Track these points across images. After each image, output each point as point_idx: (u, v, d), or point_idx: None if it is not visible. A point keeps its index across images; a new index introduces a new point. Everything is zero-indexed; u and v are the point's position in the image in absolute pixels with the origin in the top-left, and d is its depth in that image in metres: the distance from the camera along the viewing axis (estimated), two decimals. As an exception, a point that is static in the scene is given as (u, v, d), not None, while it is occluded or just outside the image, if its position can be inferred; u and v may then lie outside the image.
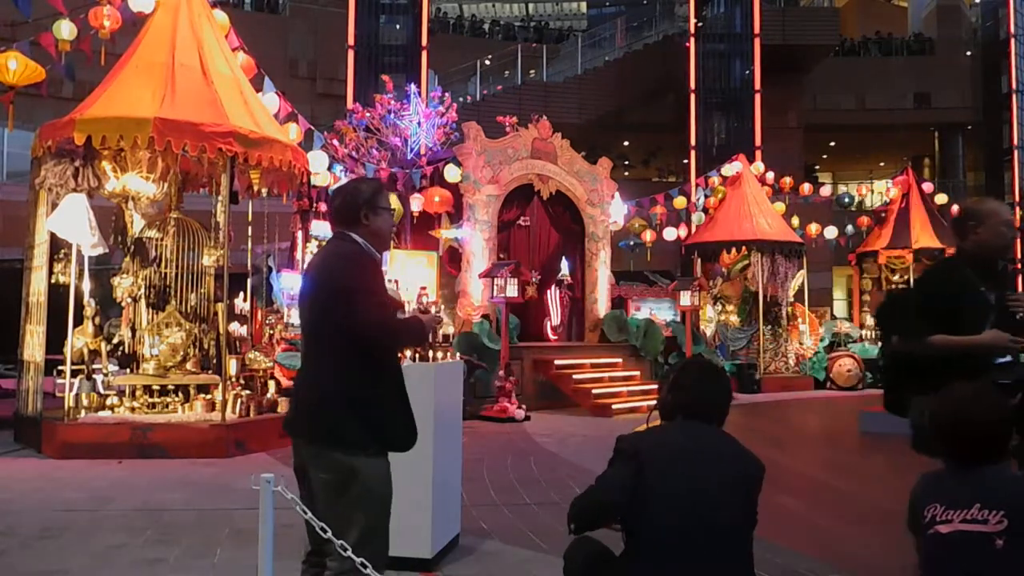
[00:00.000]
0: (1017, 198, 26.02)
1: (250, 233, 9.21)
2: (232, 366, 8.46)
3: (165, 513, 5.50)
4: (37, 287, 8.38)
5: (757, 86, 23.40)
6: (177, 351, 8.37)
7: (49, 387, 8.38)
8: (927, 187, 19.65)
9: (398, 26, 22.46)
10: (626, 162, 29.89)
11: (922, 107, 28.61)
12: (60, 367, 8.16)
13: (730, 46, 24.22)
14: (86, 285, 8.46)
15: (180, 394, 8.33)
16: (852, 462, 8.73)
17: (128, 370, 8.58)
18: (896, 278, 18.94)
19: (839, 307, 25.14)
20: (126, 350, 8.57)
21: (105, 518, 5.34)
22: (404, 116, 13.19)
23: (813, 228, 18.98)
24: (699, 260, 17.69)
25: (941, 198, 19.87)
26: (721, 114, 24.09)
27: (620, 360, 13.42)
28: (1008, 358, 3.41)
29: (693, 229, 18.03)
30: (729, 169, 17.68)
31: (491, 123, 13.66)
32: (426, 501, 4.17)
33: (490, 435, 9.48)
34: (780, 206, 18.11)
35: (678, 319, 15.26)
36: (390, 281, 9.17)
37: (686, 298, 14.19)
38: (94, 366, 8.45)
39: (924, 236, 18.38)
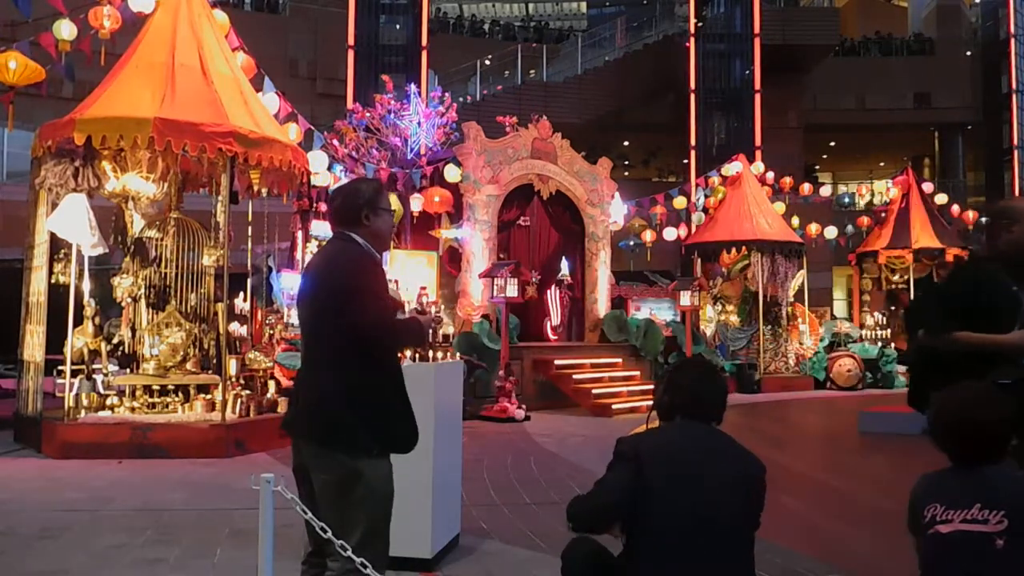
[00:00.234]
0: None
1: (250, 233, 9.21)
2: (232, 366, 8.46)
3: (165, 513, 5.49)
4: (37, 287, 8.38)
5: (757, 86, 23.41)
6: (177, 351, 8.36)
7: (49, 387, 8.38)
8: (927, 187, 19.65)
9: (398, 26, 22.46)
10: (626, 162, 29.89)
11: (922, 107, 28.62)
12: (60, 367, 8.16)
13: (730, 46, 24.23)
14: (86, 285, 8.46)
15: (180, 394, 8.33)
16: (852, 462, 8.73)
17: (128, 370, 8.58)
18: (896, 278, 18.95)
19: (839, 307, 25.13)
20: (126, 350, 8.57)
21: (105, 518, 5.34)
22: (404, 116, 13.19)
23: (813, 228, 18.98)
24: (699, 260, 17.69)
25: (941, 198, 19.87)
26: (721, 114, 24.09)
27: (620, 360, 13.42)
28: None
29: (693, 229, 18.03)
30: (729, 169, 17.68)
31: (491, 123, 13.66)
32: (426, 501, 4.17)
33: (490, 435, 9.48)
34: (780, 206, 18.11)
35: (678, 319, 15.26)
36: (390, 281, 9.16)
37: (686, 298, 14.20)
38: (94, 366, 8.45)
39: (924, 236, 18.39)
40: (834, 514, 6.04)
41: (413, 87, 13.90)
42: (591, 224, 14.19)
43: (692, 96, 23.55)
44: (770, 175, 18.67)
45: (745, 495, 2.36)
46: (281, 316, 10.22)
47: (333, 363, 2.80)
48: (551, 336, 13.62)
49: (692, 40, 23.71)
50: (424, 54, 21.51)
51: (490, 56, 25.48)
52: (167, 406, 8.18)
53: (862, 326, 18.25)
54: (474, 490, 6.08)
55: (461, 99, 19.76)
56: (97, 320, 8.51)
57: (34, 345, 8.32)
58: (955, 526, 2.18)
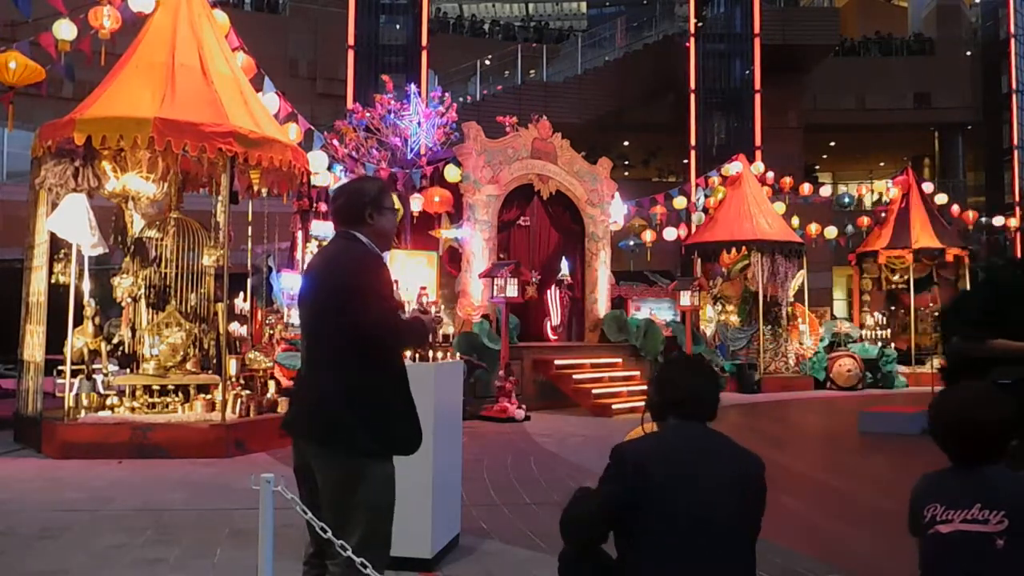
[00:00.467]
0: (1017, 198, 26.03)
1: (250, 233, 9.21)
2: (232, 366, 8.46)
3: (165, 513, 5.49)
4: (37, 287, 8.38)
5: (757, 86, 23.41)
6: (177, 351, 8.36)
7: (49, 387, 8.38)
8: (927, 187, 19.64)
9: (398, 26, 22.46)
10: (626, 162, 29.89)
11: (922, 107, 28.62)
12: (60, 367, 8.16)
13: (730, 46, 24.23)
14: (86, 285, 8.46)
15: (180, 394, 8.33)
16: (852, 462, 8.73)
17: (128, 370, 8.58)
18: (896, 278, 18.94)
19: (839, 307, 25.14)
20: (126, 350, 8.57)
21: (105, 518, 5.34)
22: (404, 116, 13.18)
23: (813, 228, 18.99)
24: (699, 260, 17.70)
25: (941, 198, 19.87)
26: (721, 114, 24.09)
27: (620, 360, 13.42)
28: None
29: (693, 229, 18.03)
30: (729, 169, 17.68)
31: (491, 123, 13.66)
32: (426, 501, 4.17)
33: (490, 435, 9.48)
34: (780, 206, 18.11)
35: (678, 319, 15.26)
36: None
37: (686, 298, 14.20)
38: (94, 366, 8.45)
39: (924, 236, 18.38)
40: (834, 514, 6.04)
41: (413, 87, 13.89)
42: (591, 224, 14.19)
43: (692, 96, 23.55)
44: (770, 175, 18.67)
45: (743, 494, 2.35)
46: (281, 316, 10.22)
47: (334, 363, 2.78)
48: (551, 336, 13.62)
49: (692, 40, 23.71)
50: (424, 54, 21.51)
51: (490, 56, 25.48)
52: (167, 406, 8.18)
53: (862, 326, 18.26)
54: (474, 490, 6.08)
55: (461, 99, 19.76)
56: (97, 320, 8.50)
57: (34, 345, 8.31)
58: (955, 526, 2.18)
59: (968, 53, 29.33)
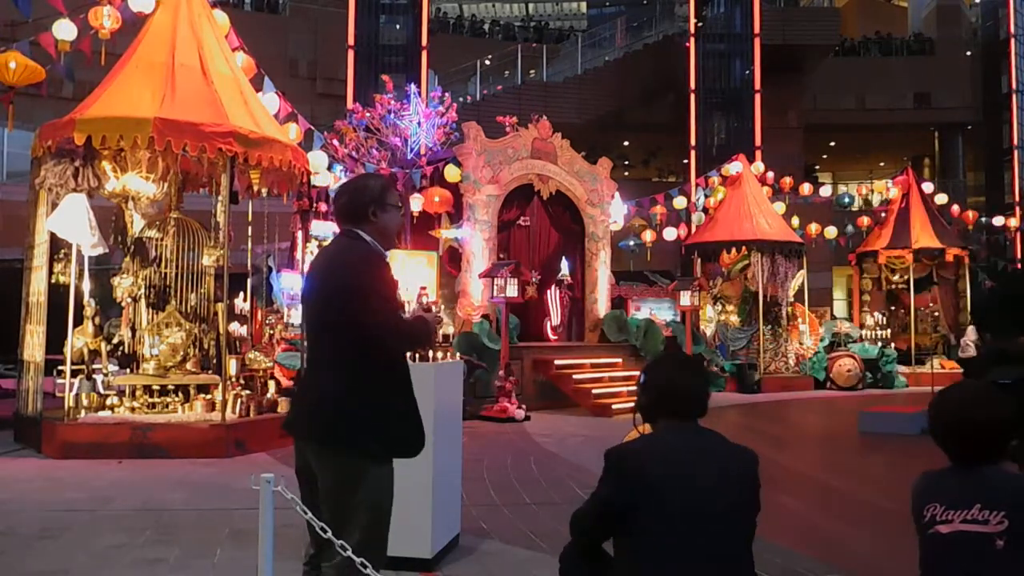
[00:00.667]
0: (1017, 198, 26.04)
1: (250, 233, 9.21)
2: (232, 366, 8.46)
3: (165, 513, 5.49)
4: (37, 287, 8.38)
5: (757, 86, 23.41)
6: (177, 351, 8.37)
7: (49, 387, 8.38)
8: (927, 187, 19.65)
9: (398, 26, 22.46)
10: (626, 162, 29.89)
11: (922, 107, 28.62)
12: (60, 367, 8.16)
13: (730, 46, 24.23)
14: (86, 285, 8.46)
15: (180, 394, 8.33)
16: (852, 462, 8.73)
17: (128, 370, 8.58)
18: (896, 278, 18.95)
19: (839, 307, 25.14)
20: (126, 350, 8.57)
21: (105, 518, 5.34)
22: (404, 116, 13.19)
23: (813, 228, 18.99)
24: (699, 260, 17.70)
25: (941, 198, 19.87)
26: (721, 114, 24.10)
27: (620, 360, 13.42)
28: None
29: (693, 229, 18.04)
30: (729, 169, 17.69)
31: (491, 123, 13.66)
32: (426, 501, 4.17)
33: (490, 435, 9.48)
34: (780, 206, 18.12)
35: (678, 319, 15.27)
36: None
37: (686, 298, 14.20)
38: (94, 366, 8.45)
39: (924, 236, 18.39)
40: (834, 514, 6.04)
41: (413, 87, 13.90)
42: (591, 224, 14.19)
43: (692, 96, 23.55)
44: (770, 175, 18.67)
45: (739, 492, 2.34)
46: (281, 316, 10.22)
47: (335, 363, 2.75)
48: (551, 336, 13.62)
49: (692, 40, 23.71)
50: (424, 54, 21.51)
51: (490, 56, 25.48)
52: (167, 406, 8.18)
53: (862, 326, 18.26)
54: (474, 490, 6.07)
55: (461, 99, 19.76)
56: (97, 320, 8.51)
57: (34, 345, 8.31)
58: (955, 526, 2.18)
59: (968, 53, 29.33)
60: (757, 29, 23.66)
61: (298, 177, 8.92)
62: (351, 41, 21.52)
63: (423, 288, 11.18)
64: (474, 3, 36.33)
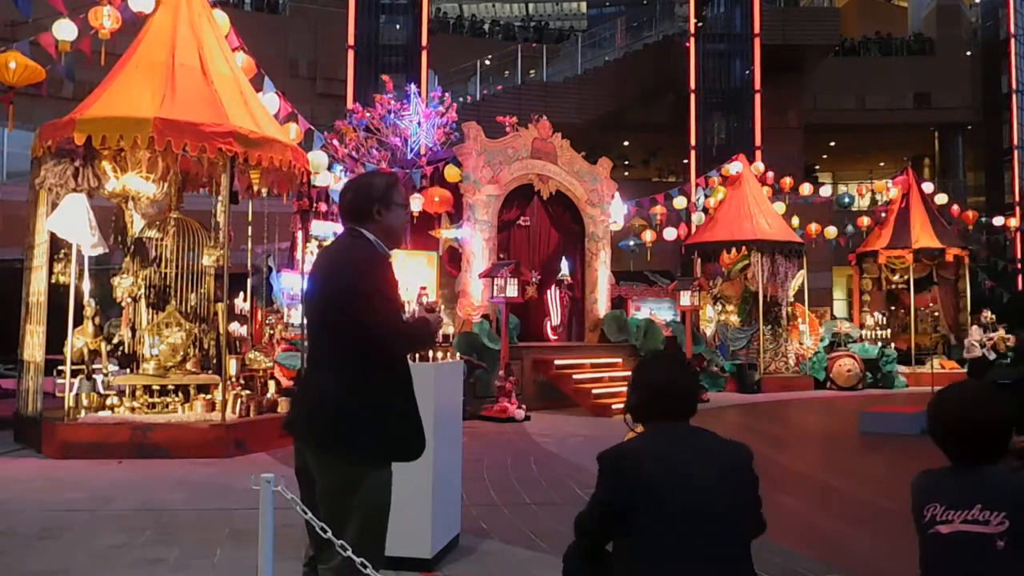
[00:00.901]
0: (1017, 198, 26.04)
1: (250, 233, 9.21)
2: (232, 366, 8.46)
3: (165, 513, 5.49)
4: (37, 287, 8.38)
5: (757, 86, 23.41)
6: (177, 351, 8.37)
7: (49, 387, 8.38)
8: (927, 187, 19.65)
9: (398, 26, 22.46)
10: (626, 162, 29.89)
11: (922, 107, 28.62)
12: (60, 367, 8.16)
13: (730, 46, 24.23)
14: (86, 285, 8.46)
15: (180, 394, 8.33)
16: (852, 462, 8.73)
17: (128, 370, 8.58)
18: (896, 278, 18.95)
19: (839, 307, 25.14)
20: (126, 350, 8.57)
21: (105, 518, 5.34)
22: (404, 116, 13.19)
23: (813, 228, 18.99)
24: (699, 260, 17.70)
25: (941, 198, 19.87)
26: (721, 114, 24.09)
27: (620, 360, 13.41)
28: None
29: (693, 229, 18.03)
30: (729, 169, 17.69)
31: (491, 123, 13.66)
32: (426, 501, 4.17)
33: (490, 435, 9.48)
34: (780, 206, 18.12)
35: (678, 319, 15.27)
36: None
37: (686, 298, 14.20)
38: (94, 366, 8.45)
39: (924, 236, 18.39)
40: (834, 514, 6.04)
41: (413, 87, 13.91)
42: (591, 224, 14.19)
43: (692, 96, 23.55)
44: (770, 175, 18.67)
45: (737, 489, 2.33)
46: (281, 316, 10.22)
47: (335, 363, 2.73)
48: (551, 336, 13.62)
49: (692, 40, 23.71)
50: (424, 54, 21.51)
51: (490, 56, 25.48)
52: (167, 406, 8.18)
53: (862, 326, 18.26)
54: (474, 490, 6.07)
55: (461, 99, 19.76)
56: (97, 320, 8.51)
57: (34, 345, 8.32)
58: (955, 527, 2.17)
59: (968, 53, 29.33)
60: (757, 29, 23.66)
61: (298, 177, 8.92)
62: (351, 41, 21.52)
63: (423, 288, 11.19)
64: (474, 3, 36.33)
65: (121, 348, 8.57)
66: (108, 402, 8.14)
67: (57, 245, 8.24)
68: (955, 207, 20.40)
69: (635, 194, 19.08)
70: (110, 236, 8.74)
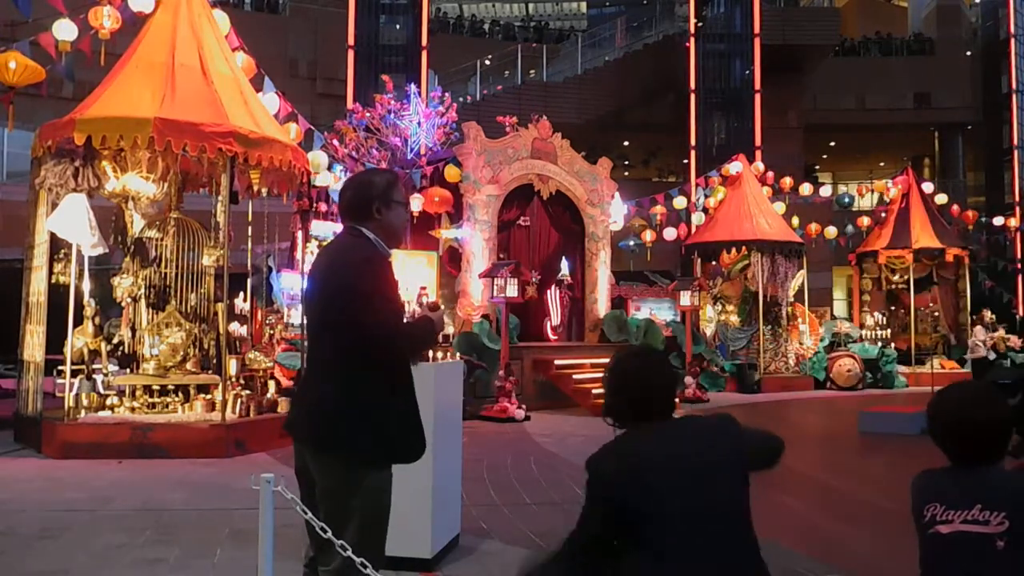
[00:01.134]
0: (1017, 198, 26.03)
1: (250, 233, 9.21)
2: (232, 366, 8.46)
3: (165, 513, 5.49)
4: (37, 287, 8.38)
5: (757, 86, 23.40)
6: (177, 351, 8.37)
7: (49, 387, 8.38)
8: (927, 187, 19.65)
9: (398, 26, 22.46)
10: (626, 162, 29.89)
11: (922, 107, 28.62)
12: (60, 367, 8.16)
13: (730, 46, 24.23)
14: (86, 285, 8.46)
15: (180, 394, 8.33)
16: (852, 462, 8.74)
17: (128, 370, 8.58)
18: (896, 278, 18.95)
19: (839, 307, 25.14)
20: (126, 350, 8.57)
21: (105, 518, 5.34)
22: (404, 116, 13.19)
23: (813, 228, 18.99)
24: (699, 260, 17.71)
25: (941, 198, 19.88)
26: (721, 114, 24.09)
27: (620, 360, 13.39)
28: None
29: (693, 229, 18.03)
30: (729, 169, 17.69)
31: (491, 123, 13.67)
32: (426, 501, 4.17)
33: (490, 435, 9.48)
34: (780, 206, 18.12)
35: (678, 319, 15.27)
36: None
37: (686, 298, 14.21)
38: (94, 366, 8.45)
39: (924, 236, 18.39)
40: (834, 514, 6.04)
41: (413, 87, 13.90)
42: (591, 224, 14.19)
43: (692, 96, 23.54)
44: (770, 175, 18.67)
45: (731, 470, 2.29)
46: (281, 316, 10.22)
47: (335, 364, 2.71)
48: (551, 336, 13.62)
49: (692, 40, 23.70)
50: (424, 54, 21.51)
51: (490, 56, 25.48)
52: (167, 406, 8.18)
53: (862, 326, 18.27)
54: (474, 490, 6.07)
55: (461, 99, 19.76)
56: (97, 320, 8.51)
57: (34, 345, 8.32)
58: (955, 527, 2.17)
59: (968, 53, 29.32)
60: (757, 29, 23.66)
61: (298, 177, 8.92)
62: (351, 41, 21.51)
63: (423, 288, 11.19)
64: (474, 3, 36.33)
65: (121, 348, 8.58)
66: (108, 402, 8.14)
67: (57, 245, 8.24)
68: (955, 207, 20.41)
69: (635, 194, 19.08)
70: (110, 236, 8.75)
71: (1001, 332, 18.01)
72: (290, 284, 10.62)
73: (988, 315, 18.42)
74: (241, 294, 9.58)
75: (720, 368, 15.69)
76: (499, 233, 12.86)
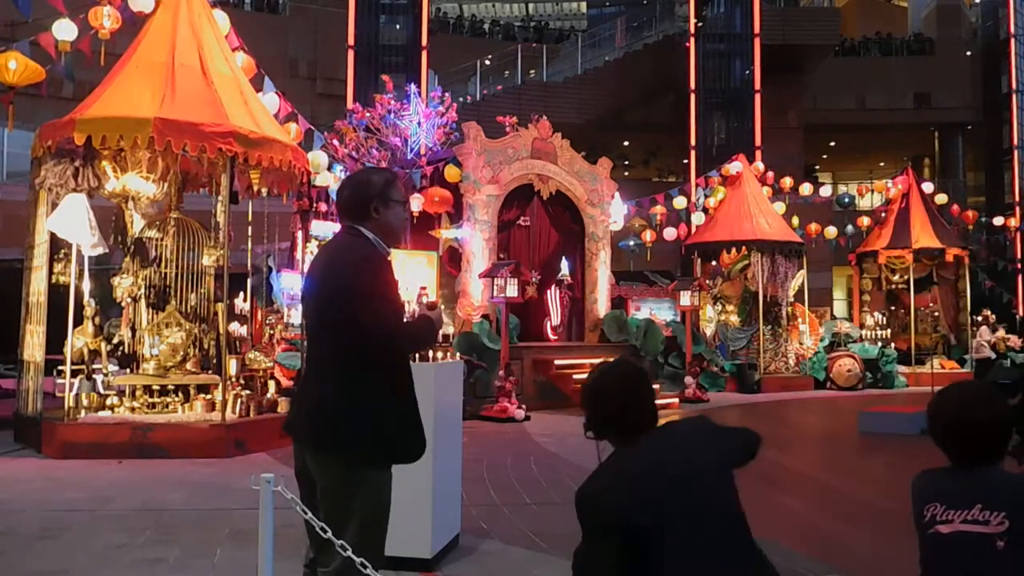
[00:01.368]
0: (1017, 198, 26.03)
1: (250, 233, 9.22)
2: (232, 366, 8.46)
3: (165, 513, 5.50)
4: (37, 287, 8.38)
5: (757, 86, 23.40)
6: (177, 351, 8.37)
7: (49, 387, 8.38)
8: (927, 187, 19.65)
9: (398, 26, 22.46)
10: (626, 162, 29.88)
11: (922, 107, 28.62)
12: (60, 367, 8.16)
13: (730, 46, 24.22)
14: (86, 285, 8.46)
15: (180, 394, 8.33)
16: (852, 462, 8.74)
17: (128, 370, 8.58)
18: (896, 278, 18.95)
19: (839, 307, 25.14)
20: (126, 350, 8.57)
21: (105, 518, 5.34)
22: (404, 116, 13.19)
23: (813, 228, 18.99)
24: (699, 260, 17.70)
25: (941, 198, 19.88)
26: (721, 114, 24.08)
27: (620, 360, 13.39)
28: None
29: (693, 229, 18.03)
30: (729, 169, 17.69)
31: (491, 123, 13.66)
32: (426, 501, 4.17)
33: (490, 435, 9.48)
34: (780, 206, 18.12)
35: (678, 319, 15.27)
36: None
37: (686, 298, 14.21)
38: (94, 366, 8.45)
39: (924, 236, 18.39)
40: (834, 514, 6.04)
41: (413, 87, 13.90)
42: (591, 224, 14.19)
43: (692, 96, 23.54)
44: (770, 175, 18.67)
45: (725, 470, 2.28)
46: (281, 316, 10.22)
47: (334, 364, 2.71)
48: (551, 336, 13.62)
49: (692, 40, 23.70)
50: (424, 54, 21.50)
51: (490, 56, 25.48)
52: (167, 406, 8.18)
53: (862, 326, 18.26)
54: (474, 490, 6.07)
55: (461, 99, 19.76)
56: (97, 320, 8.51)
57: (34, 345, 8.32)
58: (955, 527, 2.17)
59: (968, 53, 29.32)
60: (757, 29, 23.65)
61: (298, 177, 8.92)
62: (351, 41, 21.51)
63: (423, 288, 11.18)
64: (474, 3, 36.33)
65: (121, 348, 8.58)
66: (108, 402, 8.15)
67: (57, 245, 8.24)
68: (955, 207, 20.41)
69: (635, 194, 19.08)
70: (110, 236, 8.75)
71: (1002, 332, 18.02)
72: (290, 284, 10.62)
73: (990, 316, 18.43)
74: (241, 294, 9.58)
75: (720, 368, 15.69)
76: (499, 233, 12.86)
